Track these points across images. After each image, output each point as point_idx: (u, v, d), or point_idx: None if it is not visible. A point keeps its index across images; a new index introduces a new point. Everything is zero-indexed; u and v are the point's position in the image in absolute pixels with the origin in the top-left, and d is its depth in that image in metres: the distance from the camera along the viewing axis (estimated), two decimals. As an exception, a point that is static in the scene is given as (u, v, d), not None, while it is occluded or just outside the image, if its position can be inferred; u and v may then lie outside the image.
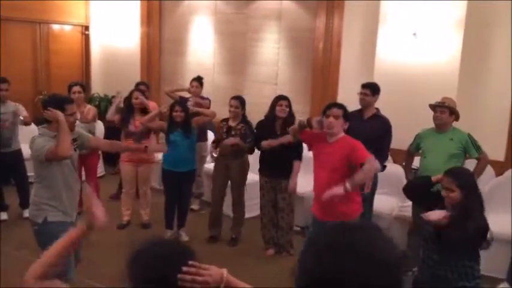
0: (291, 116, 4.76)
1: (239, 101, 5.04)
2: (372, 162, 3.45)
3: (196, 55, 7.88)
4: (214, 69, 7.71)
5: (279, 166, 4.72)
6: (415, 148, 4.63)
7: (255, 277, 4.04)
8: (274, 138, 4.60)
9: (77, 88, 5.54)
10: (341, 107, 3.64)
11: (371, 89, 4.66)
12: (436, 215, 2.77)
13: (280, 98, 4.78)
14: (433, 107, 4.44)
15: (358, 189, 3.65)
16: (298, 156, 4.76)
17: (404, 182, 5.15)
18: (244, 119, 5.04)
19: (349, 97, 6.32)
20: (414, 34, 5.42)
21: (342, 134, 3.64)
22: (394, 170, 5.33)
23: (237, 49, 7.43)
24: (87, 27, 8.81)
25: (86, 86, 5.90)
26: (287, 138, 4.48)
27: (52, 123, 3.41)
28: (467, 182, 2.86)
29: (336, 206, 3.43)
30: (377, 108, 4.75)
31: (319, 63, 6.58)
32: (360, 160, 3.44)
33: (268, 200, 4.86)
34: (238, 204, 5.17)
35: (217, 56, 7.67)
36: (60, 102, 3.44)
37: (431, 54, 5.38)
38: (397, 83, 5.45)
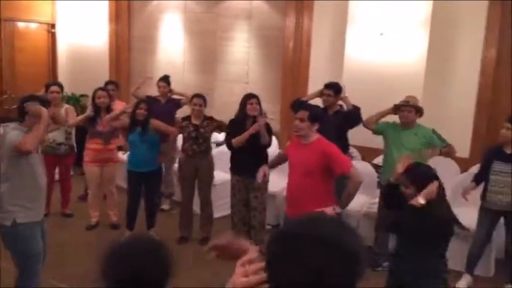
0: (261, 113, 4.74)
1: (203, 99, 5.03)
2: (354, 177, 3.51)
3: (166, 53, 7.82)
4: (184, 67, 7.67)
5: (250, 165, 4.70)
6: (377, 129, 4.69)
7: (228, 276, 4.03)
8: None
9: (55, 88, 5.46)
10: (307, 108, 3.66)
11: (334, 90, 4.86)
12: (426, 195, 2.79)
13: (250, 97, 4.77)
14: (399, 107, 4.53)
15: (333, 192, 3.69)
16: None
17: (374, 179, 5.26)
18: (205, 117, 5.03)
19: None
20: (381, 34, 5.51)
21: (316, 136, 3.66)
22: (363, 167, 5.41)
23: (207, 48, 7.40)
24: (53, 25, 8.63)
25: (63, 86, 5.76)
26: (254, 128, 4.50)
27: (27, 119, 3.34)
28: (419, 178, 2.89)
29: (309, 206, 3.44)
30: (340, 105, 4.94)
31: (289, 62, 6.62)
32: (341, 170, 3.51)
33: (240, 199, 4.85)
34: (207, 203, 5.17)
35: (188, 54, 7.63)
36: (40, 103, 3.41)
37: (398, 54, 5.48)
38: (365, 81, 5.54)
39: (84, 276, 4.25)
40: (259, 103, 4.74)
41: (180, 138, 5.40)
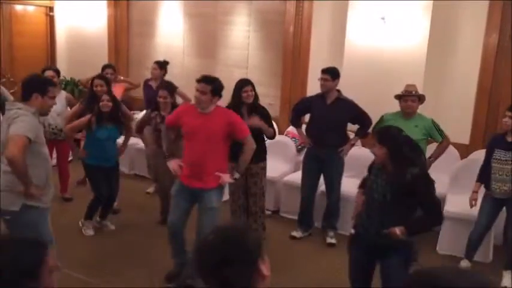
0: (257, 101, 4.70)
1: (167, 91, 4.86)
2: (250, 143, 3.88)
3: (165, 37, 7.76)
4: (184, 52, 7.61)
5: None
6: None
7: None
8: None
9: (50, 73, 5.37)
10: (209, 82, 3.71)
11: (331, 74, 4.69)
12: None
13: (244, 84, 4.61)
14: (400, 96, 4.48)
15: (228, 157, 3.93)
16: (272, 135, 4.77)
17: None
18: (173, 107, 4.74)
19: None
20: (383, 18, 5.47)
21: (214, 105, 3.78)
22: (362, 153, 5.39)
23: (207, 32, 7.35)
24: (51, 8, 8.55)
25: (59, 71, 5.70)
26: (254, 122, 4.46)
27: (32, 100, 3.18)
28: (387, 138, 2.96)
29: (209, 171, 3.76)
30: (338, 91, 4.80)
31: (290, 46, 6.57)
32: (243, 136, 3.84)
33: (238, 186, 4.78)
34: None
35: (187, 38, 7.57)
36: (42, 84, 3.31)
37: (400, 39, 5.44)
38: (366, 66, 5.51)
39: (85, 260, 4.31)
40: (254, 89, 4.63)
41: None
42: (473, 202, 4.34)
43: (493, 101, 5.41)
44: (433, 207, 2.94)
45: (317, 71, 6.32)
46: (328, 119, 4.72)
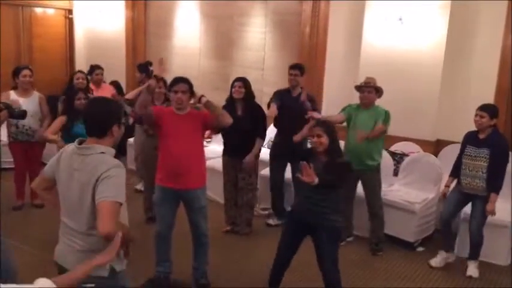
0: (251, 97, 4.86)
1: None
2: (226, 116, 3.81)
3: (182, 39, 7.81)
4: (200, 53, 7.66)
5: (240, 146, 4.82)
6: (346, 119, 4.77)
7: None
8: (236, 120, 4.23)
9: (27, 72, 5.32)
10: (187, 82, 3.75)
11: (300, 70, 5.10)
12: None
13: (236, 80, 4.89)
14: (359, 87, 4.69)
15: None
16: (261, 134, 4.92)
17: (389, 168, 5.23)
18: (166, 99, 4.89)
19: (335, 81, 6.37)
20: (400, 19, 5.43)
21: (189, 107, 3.81)
22: None
23: (223, 33, 7.38)
24: (70, 11, 8.67)
25: (33, 70, 5.52)
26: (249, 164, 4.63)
27: (112, 134, 2.42)
28: (331, 130, 3.40)
29: (194, 168, 3.75)
30: (302, 88, 5.12)
31: (306, 47, 6.57)
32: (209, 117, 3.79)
33: (229, 179, 5.00)
34: None
35: (204, 40, 7.62)
36: (120, 108, 2.58)
37: (417, 40, 5.41)
38: (382, 67, 5.47)
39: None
40: (246, 86, 4.81)
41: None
42: (445, 196, 4.51)
43: (511, 102, 5.34)
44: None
45: (334, 72, 6.35)
46: (294, 109, 4.89)
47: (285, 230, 3.66)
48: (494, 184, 4.17)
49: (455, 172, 4.44)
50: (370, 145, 4.62)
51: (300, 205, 3.53)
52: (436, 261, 4.55)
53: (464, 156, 4.34)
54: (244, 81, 4.84)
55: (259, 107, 4.94)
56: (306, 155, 3.47)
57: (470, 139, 4.35)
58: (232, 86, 4.84)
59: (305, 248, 3.60)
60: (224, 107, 4.75)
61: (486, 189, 4.20)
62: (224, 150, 5.05)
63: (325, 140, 3.35)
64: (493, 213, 4.18)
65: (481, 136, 4.27)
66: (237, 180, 4.99)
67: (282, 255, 3.62)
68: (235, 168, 4.94)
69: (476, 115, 4.27)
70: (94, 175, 2.28)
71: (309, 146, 4.25)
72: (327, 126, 3.44)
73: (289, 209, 3.70)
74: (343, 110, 4.81)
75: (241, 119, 4.64)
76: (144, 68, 6.09)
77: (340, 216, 3.50)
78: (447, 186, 4.52)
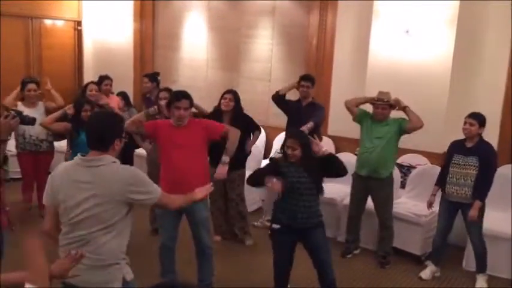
0: (239, 109, 4.85)
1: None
2: (233, 131, 3.94)
3: (189, 50, 7.86)
4: (208, 64, 7.70)
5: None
6: (358, 114, 4.79)
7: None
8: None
9: (33, 86, 5.39)
10: (189, 98, 3.74)
11: (311, 82, 5.21)
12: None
13: (226, 92, 4.89)
14: (373, 103, 4.68)
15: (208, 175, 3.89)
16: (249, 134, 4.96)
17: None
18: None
19: (342, 93, 6.35)
20: (407, 31, 5.44)
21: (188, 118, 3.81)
22: (344, 158, 5.37)
23: (230, 45, 7.42)
24: (79, 23, 8.75)
25: (39, 83, 5.62)
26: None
27: (114, 148, 2.49)
28: (305, 141, 3.56)
29: (196, 182, 3.42)
30: (313, 98, 5.31)
31: (313, 59, 6.59)
32: (219, 132, 3.86)
33: (216, 190, 4.73)
34: None
35: (211, 51, 7.66)
36: (122, 122, 2.67)
37: (424, 52, 5.40)
38: (389, 80, 5.46)
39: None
40: (236, 99, 4.81)
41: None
42: (432, 205, 4.54)
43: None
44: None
45: (340, 84, 6.35)
46: (302, 119, 4.97)
47: (278, 245, 3.67)
48: (481, 192, 4.20)
49: (441, 182, 4.45)
50: (385, 153, 4.62)
51: (290, 215, 3.55)
52: (426, 273, 4.55)
53: (452, 165, 4.34)
54: (234, 94, 4.85)
55: (246, 117, 4.93)
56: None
57: (457, 148, 4.36)
58: (222, 97, 4.84)
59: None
60: (209, 117, 4.76)
61: (472, 196, 4.21)
62: (211, 161, 4.81)
63: (298, 152, 3.50)
64: (475, 219, 4.19)
65: (469, 145, 4.29)
66: (225, 190, 4.99)
67: (280, 270, 3.67)
68: (223, 179, 4.71)
69: (465, 123, 4.29)
70: (121, 183, 2.40)
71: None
72: (301, 137, 3.59)
73: (275, 226, 3.63)
74: (359, 111, 4.79)
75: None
76: (153, 77, 6.16)
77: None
78: (433, 195, 4.53)
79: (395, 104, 4.59)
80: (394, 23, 5.53)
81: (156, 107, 4.26)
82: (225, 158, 3.93)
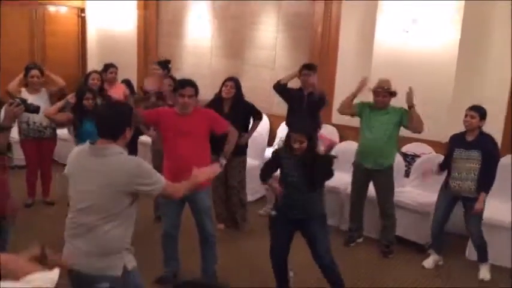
0: (240, 97, 4.88)
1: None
2: (233, 133, 4.03)
3: (193, 38, 7.81)
4: (212, 52, 7.66)
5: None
6: (354, 112, 4.82)
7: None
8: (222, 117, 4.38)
9: (35, 72, 5.35)
10: (194, 85, 3.76)
11: (313, 70, 5.16)
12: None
13: (227, 79, 4.90)
14: (374, 91, 4.66)
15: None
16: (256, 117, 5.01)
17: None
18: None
19: (347, 81, 6.32)
20: (413, 20, 5.39)
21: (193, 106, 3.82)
22: (348, 147, 5.45)
23: (235, 32, 7.37)
24: (83, 10, 8.72)
25: (43, 70, 5.55)
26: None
27: (124, 136, 2.54)
28: (310, 133, 3.59)
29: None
30: (314, 86, 5.20)
31: (318, 47, 6.53)
32: (223, 129, 3.93)
33: (218, 177, 4.80)
34: None
35: (215, 39, 7.61)
36: (131, 110, 2.71)
37: (430, 40, 5.35)
38: (395, 68, 5.43)
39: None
40: (237, 87, 4.84)
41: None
42: (428, 176, 4.61)
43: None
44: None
45: (345, 72, 6.31)
46: (303, 107, 5.08)
47: (275, 233, 3.75)
48: (485, 184, 4.19)
49: (443, 168, 4.44)
50: (386, 143, 4.61)
51: (289, 204, 3.61)
52: (429, 262, 4.56)
53: (454, 160, 4.31)
54: (236, 82, 4.88)
55: (247, 104, 4.95)
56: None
57: (458, 142, 4.33)
58: (224, 85, 4.85)
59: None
60: (210, 104, 4.81)
61: (477, 189, 4.20)
62: (213, 148, 4.93)
63: (305, 145, 3.52)
64: (481, 211, 4.20)
65: (469, 138, 4.27)
66: (226, 178, 5.00)
67: (277, 258, 3.72)
68: (225, 166, 4.73)
69: (466, 115, 4.26)
70: (127, 174, 2.43)
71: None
72: (307, 131, 3.59)
73: (273, 213, 3.77)
74: (356, 106, 4.80)
75: (228, 117, 4.55)
76: (165, 64, 6.12)
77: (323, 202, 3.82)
78: (433, 172, 4.52)
79: (408, 97, 4.53)
80: (400, 11, 5.47)
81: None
82: (222, 161, 4.02)
